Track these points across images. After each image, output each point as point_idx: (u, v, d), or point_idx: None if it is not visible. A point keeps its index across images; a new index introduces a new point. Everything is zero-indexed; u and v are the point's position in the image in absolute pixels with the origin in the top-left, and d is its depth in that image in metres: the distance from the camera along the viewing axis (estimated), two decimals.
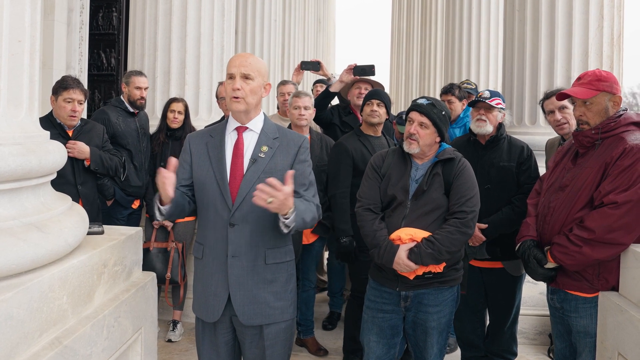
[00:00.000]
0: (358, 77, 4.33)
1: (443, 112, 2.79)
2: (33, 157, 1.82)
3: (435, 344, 2.80)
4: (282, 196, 2.07)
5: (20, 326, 1.60)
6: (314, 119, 4.40)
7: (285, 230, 2.21)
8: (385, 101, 3.82)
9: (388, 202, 2.82)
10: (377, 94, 3.84)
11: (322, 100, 4.42)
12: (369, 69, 4.29)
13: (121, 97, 4.56)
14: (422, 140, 2.75)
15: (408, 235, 2.67)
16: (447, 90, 4.62)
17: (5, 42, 1.77)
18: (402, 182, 2.79)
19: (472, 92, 4.62)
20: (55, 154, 2.01)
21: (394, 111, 7.18)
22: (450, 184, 2.74)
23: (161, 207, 2.26)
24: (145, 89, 4.54)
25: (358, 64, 4.28)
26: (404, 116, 5.05)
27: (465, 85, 4.70)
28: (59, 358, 1.71)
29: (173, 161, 2.22)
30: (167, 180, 2.16)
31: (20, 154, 1.77)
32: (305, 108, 4.02)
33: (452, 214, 2.71)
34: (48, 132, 2.09)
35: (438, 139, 2.81)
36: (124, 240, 2.33)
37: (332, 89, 4.37)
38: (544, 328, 4.26)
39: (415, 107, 2.81)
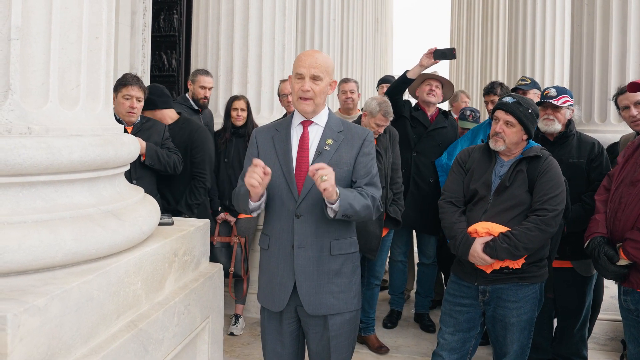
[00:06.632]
0: (436, 62, 4.05)
1: (530, 110, 2.79)
2: (110, 148, 1.90)
3: (516, 341, 2.80)
4: (330, 170, 2.10)
5: (100, 307, 1.67)
6: None
7: (332, 215, 2.21)
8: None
9: (470, 196, 2.87)
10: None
11: (398, 86, 4.26)
12: (450, 52, 4.03)
13: (186, 95, 4.68)
14: (508, 138, 2.78)
15: (484, 229, 2.71)
16: (489, 90, 4.42)
17: (85, 39, 1.86)
18: (484, 177, 2.83)
19: (526, 88, 4.35)
20: (130, 146, 2.09)
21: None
22: (534, 181, 2.73)
23: (253, 203, 2.28)
24: (209, 88, 4.62)
25: (438, 48, 4.02)
26: (466, 112, 4.97)
27: (519, 82, 4.46)
28: (135, 340, 1.77)
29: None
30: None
31: (99, 144, 1.84)
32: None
33: (534, 211, 2.70)
34: (122, 126, 2.17)
35: (525, 137, 2.82)
36: (193, 231, 2.40)
37: (409, 75, 4.13)
38: (616, 334, 4.08)
39: (500, 105, 2.83)
